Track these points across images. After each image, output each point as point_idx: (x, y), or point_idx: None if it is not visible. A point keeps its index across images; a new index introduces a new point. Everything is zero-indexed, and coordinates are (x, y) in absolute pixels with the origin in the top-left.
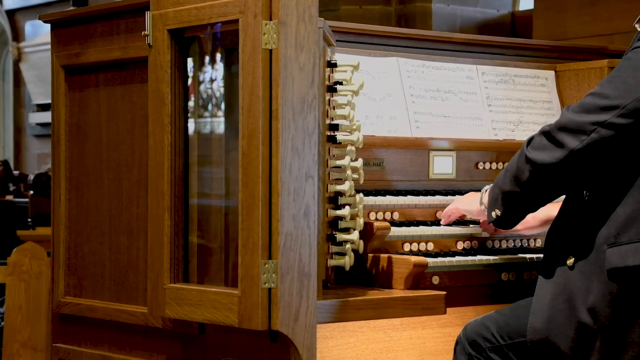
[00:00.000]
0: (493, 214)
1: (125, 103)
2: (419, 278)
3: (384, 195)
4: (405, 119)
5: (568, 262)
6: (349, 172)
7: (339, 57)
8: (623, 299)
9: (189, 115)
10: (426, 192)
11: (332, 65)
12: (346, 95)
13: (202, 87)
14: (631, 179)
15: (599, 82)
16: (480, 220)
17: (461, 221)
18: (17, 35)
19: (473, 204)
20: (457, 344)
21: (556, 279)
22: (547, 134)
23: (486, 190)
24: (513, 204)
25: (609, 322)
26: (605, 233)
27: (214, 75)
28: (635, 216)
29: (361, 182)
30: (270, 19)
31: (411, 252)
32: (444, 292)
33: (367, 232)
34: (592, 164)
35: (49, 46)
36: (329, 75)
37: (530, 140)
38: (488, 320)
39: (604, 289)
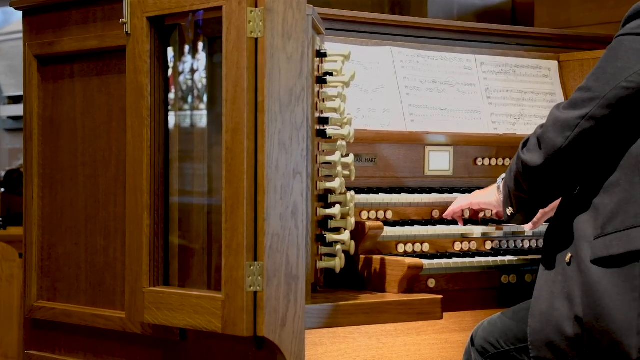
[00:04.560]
0: (508, 211)
1: (102, 95)
2: (413, 281)
3: (376, 193)
4: (400, 112)
5: (566, 258)
6: (339, 168)
7: (329, 47)
8: (604, 291)
9: (170, 108)
10: (421, 190)
11: (321, 55)
12: (337, 86)
13: (183, 79)
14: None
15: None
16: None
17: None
18: None
19: (491, 195)
20: (467, 352)
21: (555, 277)
22: (538, 134)
23: (503, 179)
24: (522, 202)
25: (593, 316)
26: (594, 225)
27: (196, 65)
28: (621, 205)
29: (352, 179)
30: (256, 6)
31: (405, 254)
32: (441, 296)
33: (359, 232)
34: (582, 158)
35: (21, 35)
36: (319, 66)
37: (526, 142)
38: (492, 326)
39: (588, 282)
